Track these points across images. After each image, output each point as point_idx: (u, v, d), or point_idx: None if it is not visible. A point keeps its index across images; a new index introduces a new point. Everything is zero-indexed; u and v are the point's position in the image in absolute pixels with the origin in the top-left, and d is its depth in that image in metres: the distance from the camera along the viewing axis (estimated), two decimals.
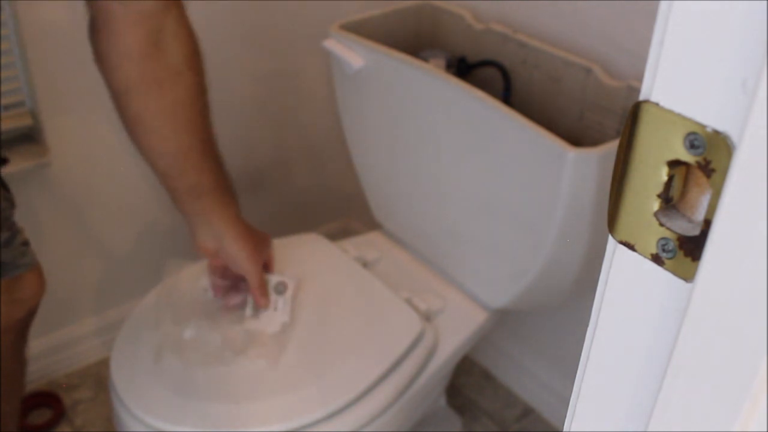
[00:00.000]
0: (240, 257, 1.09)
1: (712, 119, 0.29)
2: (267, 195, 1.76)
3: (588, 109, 1.17)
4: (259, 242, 1.13)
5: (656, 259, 0.33)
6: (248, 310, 1.14)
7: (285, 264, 1.26)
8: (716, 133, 0.29)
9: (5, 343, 1.06)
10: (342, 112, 1.36)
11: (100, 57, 0.93)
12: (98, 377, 1.60)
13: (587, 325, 0.37)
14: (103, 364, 1.60)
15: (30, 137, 1.40)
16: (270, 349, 1.10)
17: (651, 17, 0.31)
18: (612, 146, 1.00)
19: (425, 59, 1.27)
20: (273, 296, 1.16)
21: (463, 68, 1.31)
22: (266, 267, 1.16)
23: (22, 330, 1.10)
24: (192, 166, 1.01)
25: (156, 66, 0.92)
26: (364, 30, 1.26)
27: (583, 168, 0.99)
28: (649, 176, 0.32)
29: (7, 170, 1.11)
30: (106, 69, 0.93)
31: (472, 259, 1.26)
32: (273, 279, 1.18)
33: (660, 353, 0.34)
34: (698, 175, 0.31)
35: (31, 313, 1.09)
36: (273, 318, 1.14)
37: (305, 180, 1.81)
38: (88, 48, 0.94)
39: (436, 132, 1.19)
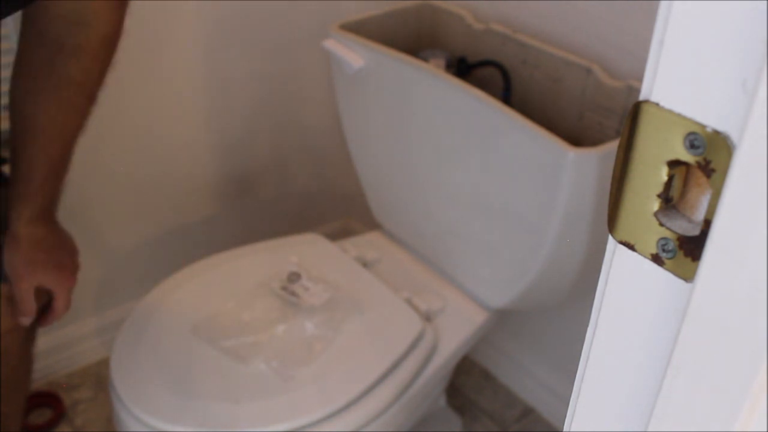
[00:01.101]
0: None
1: (712, 119, 0.29)
2: (267, 195, 1.76)
3: (588, 109, 1.17)
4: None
5: (656, 259, 0.33)
6: None
7: (285, 264, 1.26)
8: (716, 133, 0.29)
9: (13, 342, 1.05)
10: (342, 112, 1.36)
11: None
12: (98, 377, 1.60)
13: (587, 325, 0.37)
14: (103, 364, 1.60)
15: None
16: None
17: (651, 17, 0.31)
18: (612, 146, 1.00)
19: (425, 59, 1.27)
20: (297, 284, 1.22)
21: (463, 68, 1.31)
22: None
23: (30, 329, 1.09)
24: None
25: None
26: (364, 30, 1.26)
27: (583, 168, 0.99)
28: (649, 176, 0.32)
29: (7, 170, 1.11)
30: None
31: (472, 259, 1.26)
32: (285, 271, 1.24)
33: (660, 353, 0.34)
34: (698, 175, 0.31)
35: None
36: (311, 296, 1.20)
37: (305, 180, 1.81)
38: None
39: (436, 132, 1.19)
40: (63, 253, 1.02)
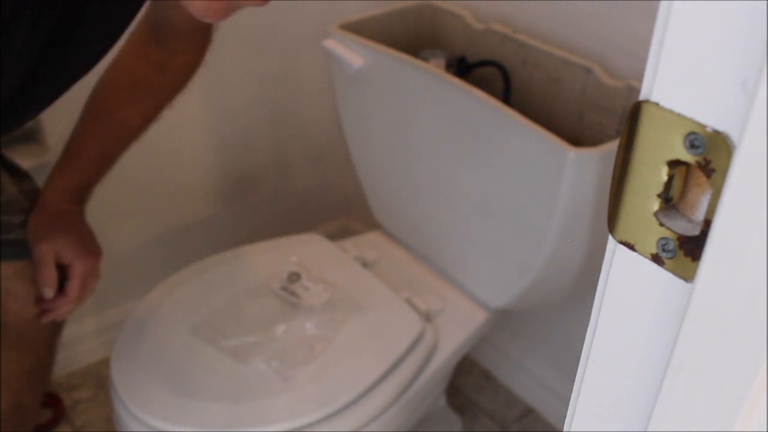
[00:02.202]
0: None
1: (712, 119, 0.29)
2: (267, 195, 1.76)
3: (588, 109, 1.17)
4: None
5: (656, 259, 0.33)
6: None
7: (285, 264, 1.26)
8: (716, 133, 0.29)
9: (41, 330, 1.05)
10: (342, 112, 1.36)
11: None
12: (98, 377, 1.60)
13: (587, 325, 0.37)
14: (103, 364, 1.60)
15: (30, 137, 1.40)
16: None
17: (651, 17, 0.31)
18: (612, 146, 1.00)
19: (425, 59, 1.27)
20: (297, 284, 1.23)
21: (463, 68, 1.31)
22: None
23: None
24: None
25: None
26: (364, 30, 1.26)
27: (583, 168, 0.99)
28: (649, 176, 0.32)
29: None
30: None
31: (472, 259, 1.26)
32: (285, 271, 1.24)
33: (660, 353, 0.34)
34: (698, 175, 0.31)
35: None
36: (311, 296, 1.21)
37: (305, 180, 1.81)
38: None
39: (436, 132, 1.19)
40: (86, 233, 1.05)
